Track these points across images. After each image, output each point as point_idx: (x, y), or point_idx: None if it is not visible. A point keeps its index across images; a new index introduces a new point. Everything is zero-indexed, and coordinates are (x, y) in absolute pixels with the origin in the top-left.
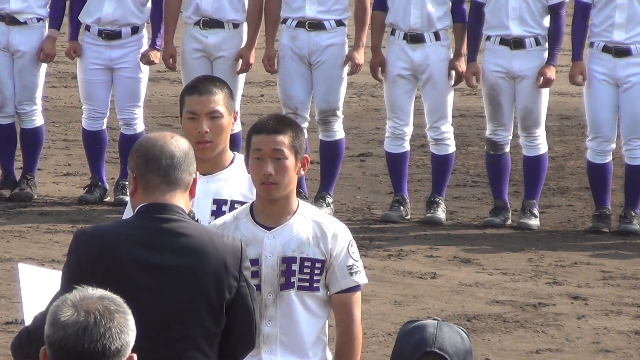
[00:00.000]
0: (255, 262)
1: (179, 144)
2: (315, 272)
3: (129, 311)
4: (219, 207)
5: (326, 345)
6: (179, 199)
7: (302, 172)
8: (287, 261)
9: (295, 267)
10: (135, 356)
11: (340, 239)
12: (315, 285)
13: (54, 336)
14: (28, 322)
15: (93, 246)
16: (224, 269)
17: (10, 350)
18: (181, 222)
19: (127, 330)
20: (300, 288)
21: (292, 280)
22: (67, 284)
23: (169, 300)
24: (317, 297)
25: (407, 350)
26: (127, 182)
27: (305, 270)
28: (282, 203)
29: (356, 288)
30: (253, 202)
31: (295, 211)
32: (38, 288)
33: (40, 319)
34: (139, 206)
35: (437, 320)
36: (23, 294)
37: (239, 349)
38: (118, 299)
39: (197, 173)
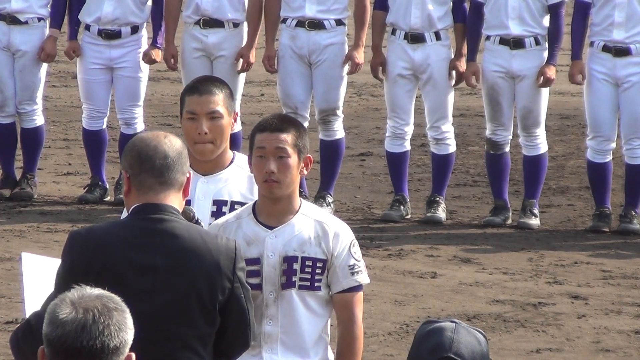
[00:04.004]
0: (256, 261)
1: (173, 144)
2: (317, 271)
3: (127, 309)
4: (219, 207)
5: (328, 345)
6: (173, 199)
7: (305, 172)
8: (288, 260)
9: (296, 266)
10: (133, 355)
11: (342, 239)
12: (316, 284)
13: (52, 334)
14: (28, 312)
15: (87, 247)
16: (216, 269)
17: (9, 343)
18: (174, 222)
19: (125, 328)
20: (301, 287)
21: (293, 280)
22: (61, 285)
23: (161, 301)
24: (318, 297)
25: (424, 354)
26: None
27: (306, 270)
28: (285, 202)
29: (358, 288)
30: (256, 202)
31: (298, 211)
32: (41, 277)
33: (35, 318)
34: (133, 206)
35: (455, 322)
36: (25, 283)
37: (233, 349)
38: (116, 298)
39: (191, 172)
